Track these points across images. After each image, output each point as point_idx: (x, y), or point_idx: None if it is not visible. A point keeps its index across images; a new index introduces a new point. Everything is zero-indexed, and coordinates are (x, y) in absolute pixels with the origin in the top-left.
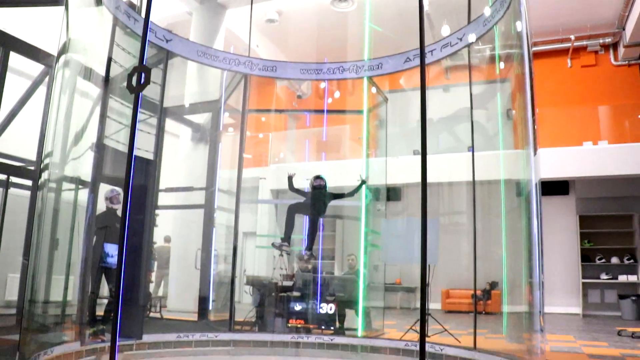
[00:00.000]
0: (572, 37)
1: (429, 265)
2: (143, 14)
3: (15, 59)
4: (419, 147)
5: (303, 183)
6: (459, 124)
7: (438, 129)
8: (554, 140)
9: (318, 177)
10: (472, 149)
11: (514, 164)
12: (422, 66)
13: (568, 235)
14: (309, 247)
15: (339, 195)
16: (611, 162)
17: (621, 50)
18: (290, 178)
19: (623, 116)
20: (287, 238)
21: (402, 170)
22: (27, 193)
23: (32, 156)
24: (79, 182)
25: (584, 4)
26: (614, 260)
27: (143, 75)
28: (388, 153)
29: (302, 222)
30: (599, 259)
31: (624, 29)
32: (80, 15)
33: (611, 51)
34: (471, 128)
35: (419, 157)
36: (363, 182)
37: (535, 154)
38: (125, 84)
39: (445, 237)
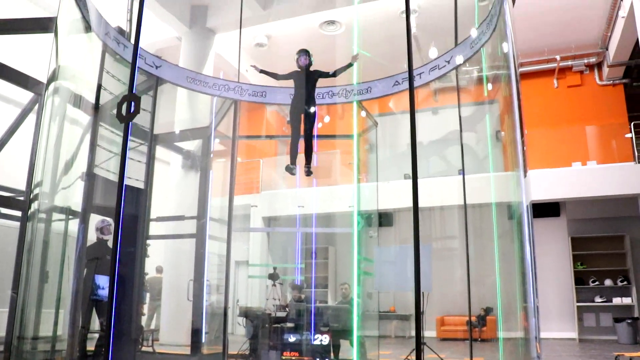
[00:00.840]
0: (558, 57)
1: (423, 293)
2: (132, 40)
3: (4, 87)
4: (409, 171)
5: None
6: (449, 147)
7: (428, 152)
8: (543, 162)
9: (304, 52)
10: (462, 172)
11: (505, 187)
12: (411, 89)
13: (560, 258)
14: (309, 162)
15: (325, 74)
16: (601, 182)
17: (605, 70)
18: (264, 71)
19: (610, 136)
20: (293, 158)
21: (394, 195)
22: (16, 224)
23: (22, 186)
24: (69, 212)
25: (568, 25)
26: (608, 282)
27: (133, 104)
28: (379, 178)
29: (294, 250)
30: (593, 282)
31: (607, 49)
32: (69, 42)
33: (596, 71)
34: (461, 151)
35: (410, 182)
36: (350, 64)
37: (525, 175)
38: (115, 111)
39: (438, 262)
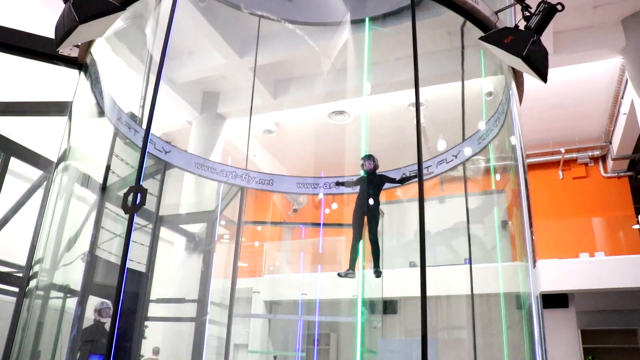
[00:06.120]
0: (562, 149)
1: None
2: (144, 126)
3: (15, 164)
4: (415, 259)
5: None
6: (456, 237)
7: (435, 241)
8: (550, 252)
9: (368, 157)
10: (469, 261)
11: (513, 277)
12: (420, 180)
13: (570, 350)
14: (377, 264)
15: (391, 180)
16: (609, 274)
17: (610, 162)
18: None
19: (617, 228)
20: (352, 262)
21: (399, 282)
22: (12, 299)
23: (22, 261)
24: (67, 290)
25: (572, 119)
26: None
27: (139, 195)
28: (384, 265)
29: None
30: None
31: (610, 143)
32: (82, 125)
33: (600, 163)
34: (468, 240)
35: (415, 269)
36: (413, 176)
37: (534, 266)
38: (121, 193)
39: (445, 352)
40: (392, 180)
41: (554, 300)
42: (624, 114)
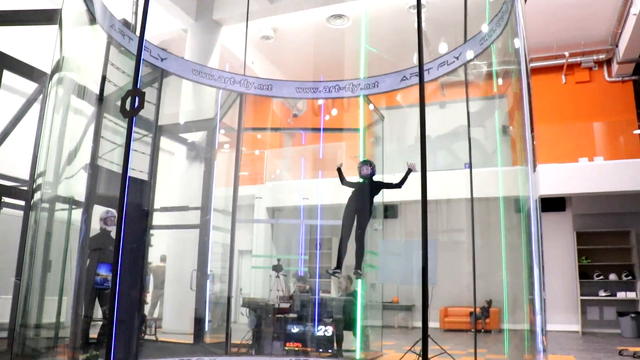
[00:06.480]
0: (567, 53)
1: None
2: (138, 32)
3: (9, 77)
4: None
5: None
6: (456, 141)
7: (435, 146)
8: (550, 157)
9: (366, 163)
10: (469, 165)
11: (513, 181)
12: (421, 84)
13: (565, 252)
14: (359, 265)
15: (387, 185)
16: (607, 178)
17: (615, 66)
18: (339, 170)
19: (618, 132)
20: (340, 261)
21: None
22: (20, 213)
23: (25, 176)
24: (72, 202)
25: (578, 21)
26: (612, 277)
27: (137, 99)
28: (384, 170)
29: (298, 241)
30: (597, 276)
31: (617, 46)
32: (74, 34)
33: (605, 68)
34: (469, 145)
35: (415, 174)
36: (410, 170)
37: (534, 170)
38: (119, 103)
39: (444, 254)
40: (390, 185)
41: (551, 204)
42: (634, 14)
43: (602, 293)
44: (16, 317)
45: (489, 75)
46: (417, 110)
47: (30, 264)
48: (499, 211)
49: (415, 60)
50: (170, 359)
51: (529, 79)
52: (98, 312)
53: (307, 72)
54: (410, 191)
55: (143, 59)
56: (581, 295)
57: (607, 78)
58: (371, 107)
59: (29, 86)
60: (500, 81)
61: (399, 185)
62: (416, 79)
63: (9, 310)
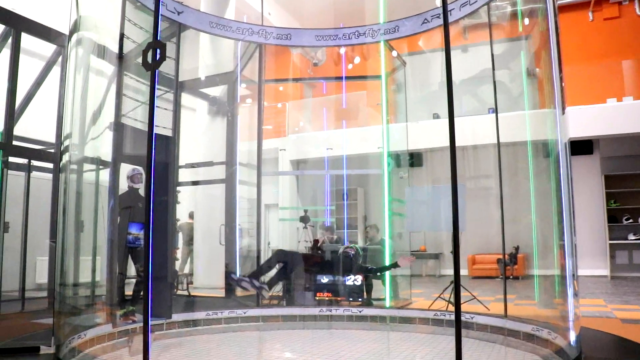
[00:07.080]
0: None
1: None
2: None
3: (27, 40)
4: (439, 111)
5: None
6: (481, 85)
7: (459, 91)
8: (576, 99)
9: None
10: (494, 110)
11: (541, 124)
12: (446, 28)
13: (593, 196)
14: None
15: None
16: (637, 118)
17: None
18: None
19: None
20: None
21: (423, 135)
22: (49, 176)
23: (51, 138)
24: (99, 162)
25: None
26: None
27: (158, 51)
28: (408, 118)
29: (323, 193)
30: (626, 219)
31: None
32: None
33: (636, 1)
34: (494, 89)
35: (439, 121)
36: (394, 264)
37: (563, 113)
38: (140, 59)
39: (471, 201)
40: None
41: (578, 147)
42: None
43: (631, 237)
44: (54, 278)
45: (514, 16)
46: (439, 55)
47: (64, 225)
48: (527, 156)
49: (437, 1)
50: (204, 311)
51: (557, 17)
52: (131, 270)
53: (326, 20)
54: (435, 138)
55: (160, 14)
56: (610, 239)
57: (638, 12)
58: (394, 53)
59: (48, 48)
60: (526, 21)
61: (379, 270)
62: (438, 21)
63: (47, 271)
